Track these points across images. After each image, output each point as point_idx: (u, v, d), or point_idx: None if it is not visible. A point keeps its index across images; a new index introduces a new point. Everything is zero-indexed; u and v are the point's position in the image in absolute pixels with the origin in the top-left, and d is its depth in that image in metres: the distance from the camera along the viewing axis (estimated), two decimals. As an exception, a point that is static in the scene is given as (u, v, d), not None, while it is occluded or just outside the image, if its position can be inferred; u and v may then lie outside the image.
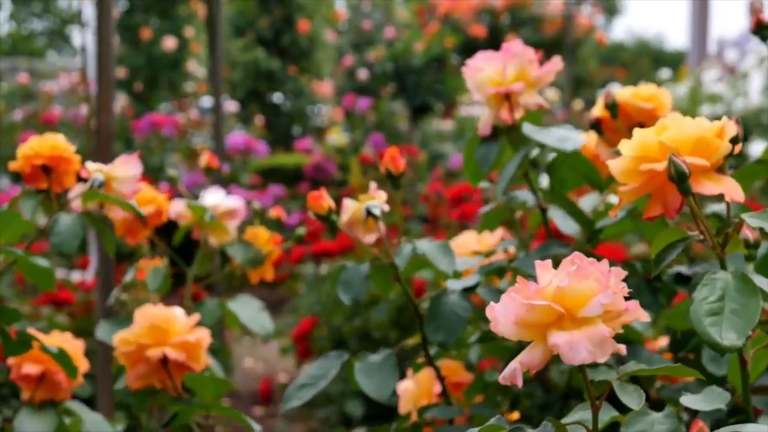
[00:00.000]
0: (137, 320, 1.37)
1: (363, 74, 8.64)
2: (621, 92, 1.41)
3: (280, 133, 8.71)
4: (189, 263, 1.71)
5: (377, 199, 1.29)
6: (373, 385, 1.27)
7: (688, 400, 0.88)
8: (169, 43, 7.86)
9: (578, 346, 0.77)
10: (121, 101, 7.34)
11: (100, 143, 2.24)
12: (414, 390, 1.47)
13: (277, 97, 8.96)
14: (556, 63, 1.35)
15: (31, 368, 1.37)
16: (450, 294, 1.32)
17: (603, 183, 1.42)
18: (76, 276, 4.13)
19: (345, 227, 1.30)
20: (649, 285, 1.34)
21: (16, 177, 6.27)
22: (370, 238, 1.30)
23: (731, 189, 0.94)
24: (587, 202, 1.48)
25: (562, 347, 0.78)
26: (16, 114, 7.19)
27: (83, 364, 1.42)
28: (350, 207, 1.30)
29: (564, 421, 0.87)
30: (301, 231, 1.66)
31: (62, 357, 1.33)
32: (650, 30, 21.41)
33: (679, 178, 0.91)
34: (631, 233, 1.74)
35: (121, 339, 1.37)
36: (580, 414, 0.88)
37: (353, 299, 1.30)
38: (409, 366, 1.49)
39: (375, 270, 1.35)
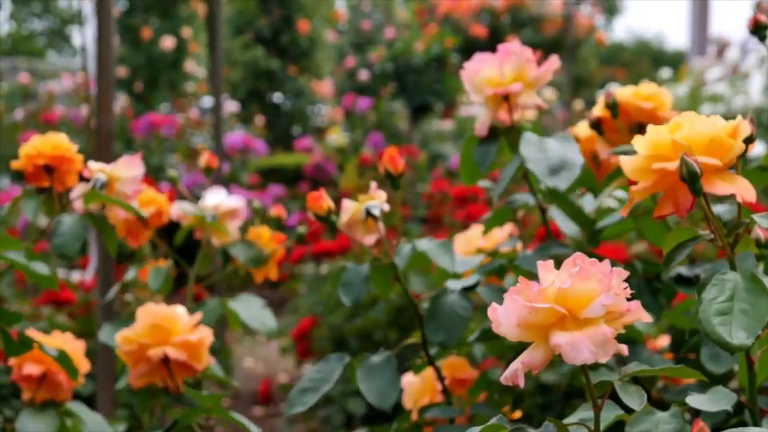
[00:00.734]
0: (139, 319, 1.37)
1: (364, 74, 8.65)
2: (621, 92, 1.41)
3: (280, 133, 8.72)
4: (190, 263, 1.71)
5: (377, 200, 1.29)
6: (375, 392, 1.27)
7: (694, 400, 0.88)
8: (169, 43, 7.86)
9: (580, 346, 0.78)
10: (121, 101, 7.34)
11: (100, 143, 2.24)
12: (418, 384, 1.47)
13: (277, 97, 8.96)
14: (554, 62, 1.35)
15: (32, 369, 1.37)
16: (450, 293, 1.32)
17: (598, 186, 1.42)
18: (76, 276, 4.12)
19: (344, 228, 1.30)
20: (650, 285, 1.34)
21: (16, 176, 6.28)
22: (369, 240, 1.30)
23: (744, 189, 0.93)
24: (588, 201, 1.48)
25: (564, 347, 0.78)
26: (17, 114, 7.19)
27: (84, 365, 1.42)
28: (350, 208, 1.29)
29: (566, 421, 0.87)
30: (302, 229, 1.67)
31: (63, 359, 1.33)
32: (650, 30, 21.38)
33: (691, 178, 0.91)
34: (632, 232, 1.74)
35: (123, 338, 1.37)
36: (582, 414, 0.88)
37: (354, 300, 1.30)
38: (409, 366, 1.49)
39: (375, 270, 1.34)
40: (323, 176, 6.53)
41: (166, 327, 1.35)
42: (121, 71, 7.78)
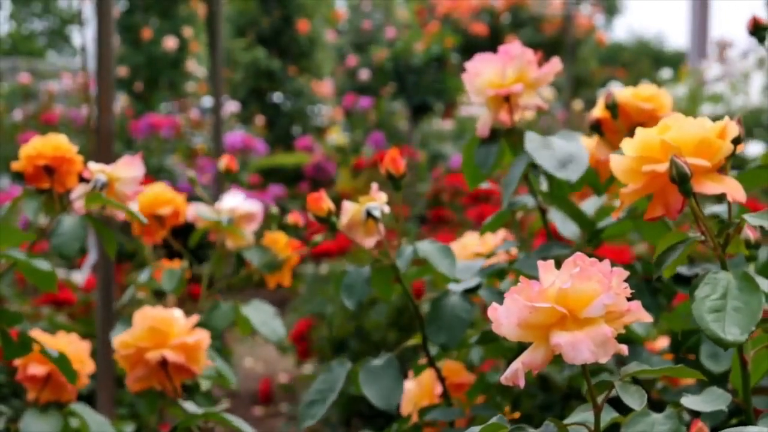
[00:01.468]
0: (136, 322, 1.36)
1: (364, 74, 8.65)
2: (621, 93, 1.41)
3: (280, 133, 8.72)
4: (199, 264, 1.71)
5: (377, 201, 1.29)
6: (378, 394, 1.27)
7: (689, 401, 0.88)
8: (169, 42, 7.86)
9: (581, 346, 0.78)
10: (121, 101, 7.34)
11: (100, 143, 2.24)
12: (415, 390, 1.47)
13: (277, 97, 8.97)
14: (555, 64, 1.35)
15: (37, 369, 1.37)
16: (451, 295, 1.32)
17: (602, 186, 1.42)
18: (76, 276, 4.12)
19: (345, 229, 1.29)
20: (649, 285, 1.34)
21: (16, 177, 6.27)
22: (370, 242, 1.29)
23: (733, 189, 0.94)
24: (590, 203, 1.48)
25: (564, 347, 0.78)
26: (16, 114, 7.18)
27: (89, 365, 1.42)
28: (350, 209, 1.29)
29: (566, 421, 0.87)
30: (318, 238, 1.65)
31: (62, 361, 1.33)
32: (650, 30, 21.39)
33: (681, 179, 0.91)
34: (632, 233, 1.74)
35: (120, 342, 1.36)
36: (582, 414, 0.88)
37: (356, 303, 1.29)
38: (410, 368, 1.49)
39: (376, 272, 1.34)
40: (323, 176, 6.53)
41: (164, 330, 1.35)
42: (121, 71, 7.79)
